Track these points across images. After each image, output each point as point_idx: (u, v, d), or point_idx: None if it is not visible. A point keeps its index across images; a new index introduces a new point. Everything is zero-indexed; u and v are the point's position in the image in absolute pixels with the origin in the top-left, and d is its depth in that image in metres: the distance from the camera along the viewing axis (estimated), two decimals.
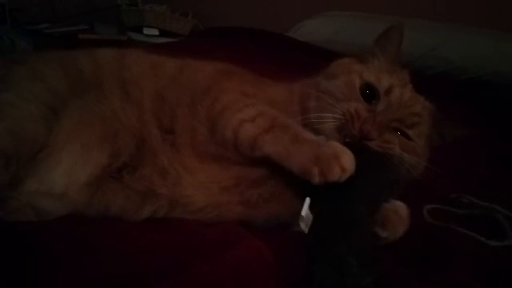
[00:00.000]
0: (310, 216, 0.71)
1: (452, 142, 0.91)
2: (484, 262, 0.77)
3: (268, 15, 2.76)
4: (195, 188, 0.83)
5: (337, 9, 2.50)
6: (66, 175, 0.82)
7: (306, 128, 0.81)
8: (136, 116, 0.89)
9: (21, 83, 0.87)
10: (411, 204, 0.93)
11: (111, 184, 0.84)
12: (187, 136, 0.87)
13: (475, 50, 2.04)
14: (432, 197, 0.97)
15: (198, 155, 0.85)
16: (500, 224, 0.88)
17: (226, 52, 1.76)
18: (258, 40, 2.26)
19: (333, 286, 0.61)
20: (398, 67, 0.90)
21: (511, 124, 1.63)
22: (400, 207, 0.79)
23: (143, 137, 0.87)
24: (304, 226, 0.70)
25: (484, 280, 0.73)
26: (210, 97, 0.89)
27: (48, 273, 0.64)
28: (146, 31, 2.80)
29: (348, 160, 0.70)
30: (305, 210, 0.70)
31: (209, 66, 1.01)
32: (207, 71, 0.99)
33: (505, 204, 0.92)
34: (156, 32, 2.81)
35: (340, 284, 0.61)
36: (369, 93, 0.84)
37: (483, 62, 2.00)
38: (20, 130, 0.80)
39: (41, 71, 0.90)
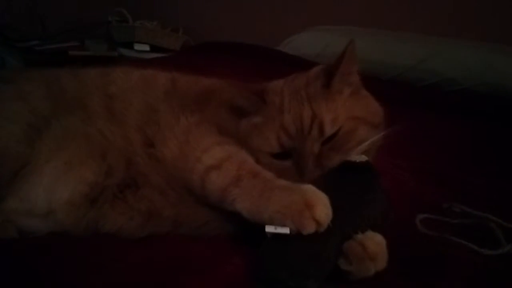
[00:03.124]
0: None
1: None
2: (478, 271, 0.77)
3: (258, 30, 2.78)
4: (196, 205, 0.81)
5: (328, 23, 2.52)
6: (46, 193, 0.81)
7: None
8: (121, 136, 0.87)
9: (5, 102, 0.88)
10: (404, 213, 0.94)
11: (113, 204, 0.82)
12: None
13: (463, 62, 2.07)
14: (425, 207, 0.96)
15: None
16: (493, 233, 0.88)
17: (216, 66, 1.76)
18: (248, 55, 2.27)
19: None
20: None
21: (499, 133, 1.64)
22: (375, 241, 0.70)
23: (130, 158, 0.85)
24: (272, 229, 0.65)
25: None
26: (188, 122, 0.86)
27: None
28: (137, 47, 2.80)
29: (322, 210, 0.64)
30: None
31: (198, 82, 1.01)
32: (197, 87, 0.98)
33: (496, 212, 0.92)
34: (147, 48, 2.81)
35: None
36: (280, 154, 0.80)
37: (471, 73, 2.03)
38: (3, 148, 0.80)
39: (25, 91, 0.91)
